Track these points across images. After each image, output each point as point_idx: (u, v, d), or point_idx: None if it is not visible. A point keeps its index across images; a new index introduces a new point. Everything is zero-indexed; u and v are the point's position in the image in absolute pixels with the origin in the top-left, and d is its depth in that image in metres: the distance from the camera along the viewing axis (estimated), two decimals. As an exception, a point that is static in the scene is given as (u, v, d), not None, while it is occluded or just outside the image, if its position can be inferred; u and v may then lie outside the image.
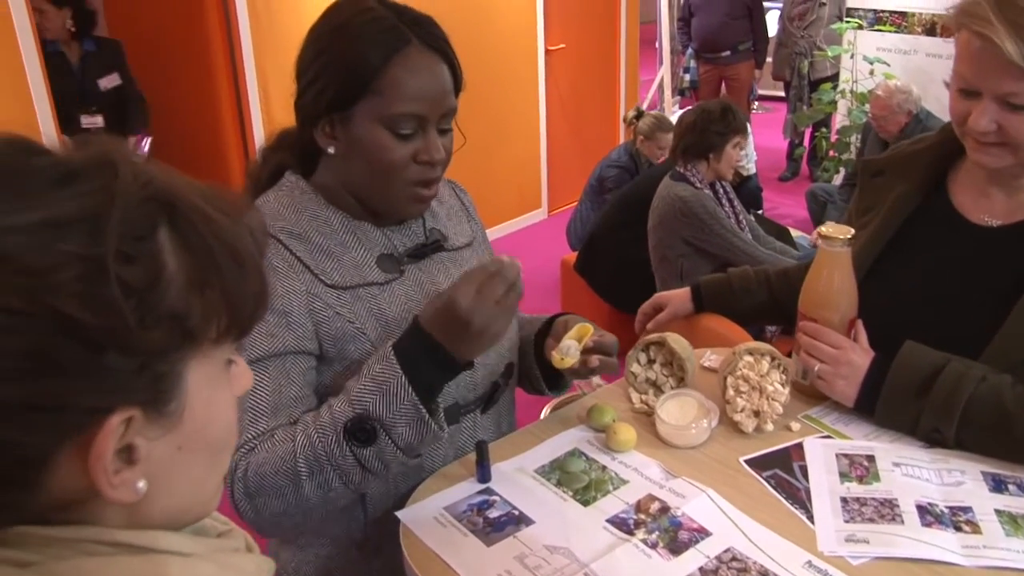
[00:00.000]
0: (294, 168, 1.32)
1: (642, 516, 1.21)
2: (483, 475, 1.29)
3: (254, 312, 0.63)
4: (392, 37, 1.20)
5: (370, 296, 1.26)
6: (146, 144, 3.96)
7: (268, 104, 4.35)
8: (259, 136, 4.30)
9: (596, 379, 1.89)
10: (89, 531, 0.57)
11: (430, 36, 1.23)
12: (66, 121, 3.57)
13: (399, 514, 1.21)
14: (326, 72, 1.21)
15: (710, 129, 3.23)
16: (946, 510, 1.22)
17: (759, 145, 5.66)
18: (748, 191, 4.76)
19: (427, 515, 1.22)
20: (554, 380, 1.49)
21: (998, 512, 1.21)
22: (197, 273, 0.57)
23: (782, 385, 1.41)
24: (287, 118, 1.34)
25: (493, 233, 5.75)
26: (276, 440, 1.15)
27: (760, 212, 4.75)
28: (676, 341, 1.49)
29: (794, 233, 4.09)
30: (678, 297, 1.94)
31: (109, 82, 3.83)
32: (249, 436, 1.16)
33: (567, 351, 1.30)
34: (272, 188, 1.30)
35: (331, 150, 1.25)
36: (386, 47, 1.19)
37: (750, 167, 5.06)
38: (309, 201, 1.28)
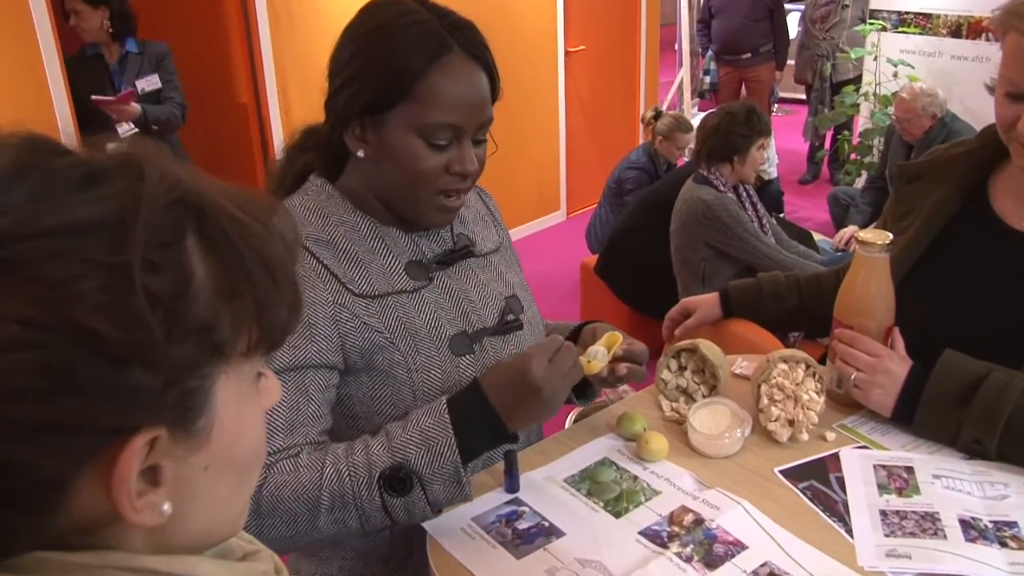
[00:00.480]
0: (320, 170, 1.29)
1: (676, 528, 1.17)
2: (512, 485, 1.26)
3: (287, 324, 0.59)
4: (434, 42, 1.16)
5: (399, 305, 1.23)
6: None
7: (287, 102, 4.33)
8: (278, 134, 4.28)
9: (624, 387, 1.86)
10: (112, 557, 0.53)
11: (471, 43, 1.19)
12: (101, 123, 3.53)
13: (426, 525, 1.18)
14: (363, 74, 1.17)
15: (734, 131, 3.19)
16: (990, 525, 1.18)
17: (780, 148, 5.60)
18: (769, 195, 4.71)
19: (454, 526, 1.19)
20: (581, 388, 1.46)
21: (1044, 527, 1.18)
22: (227, 281, 0.54)
23: (817, 394, 1.37)
24: (306, 115, 1.31)
25: (511, 235, 5.72)
26: (301, 465, 1.12)
27: (781, 216, 4.70)
28: (708, 348, 1.45)
29: (816, 237, 4.04)
30: (706, 303, 1.91)
31: (148, 84, 3.76)
32: (274, 449, 1.13)
33: (595, 355, 1.27)
34: (296, 192, 1.27)
35: (360, 154, 1.22)
36: (427, 53, 1.15)
37: (771, 171, 5.01)
38: (336, 206, 1.24)
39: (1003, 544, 1.14)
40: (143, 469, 0.52)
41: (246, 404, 0.59)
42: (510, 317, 1.34)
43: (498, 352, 1.31)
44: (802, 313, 1.83)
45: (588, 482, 1.28)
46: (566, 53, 5.83)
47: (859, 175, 5.59)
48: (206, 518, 0.58)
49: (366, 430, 1.21)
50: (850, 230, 4.14)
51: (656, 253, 3.45)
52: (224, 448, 0.57)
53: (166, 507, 0.54)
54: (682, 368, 1.49)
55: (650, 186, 4.14)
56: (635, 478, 1.29)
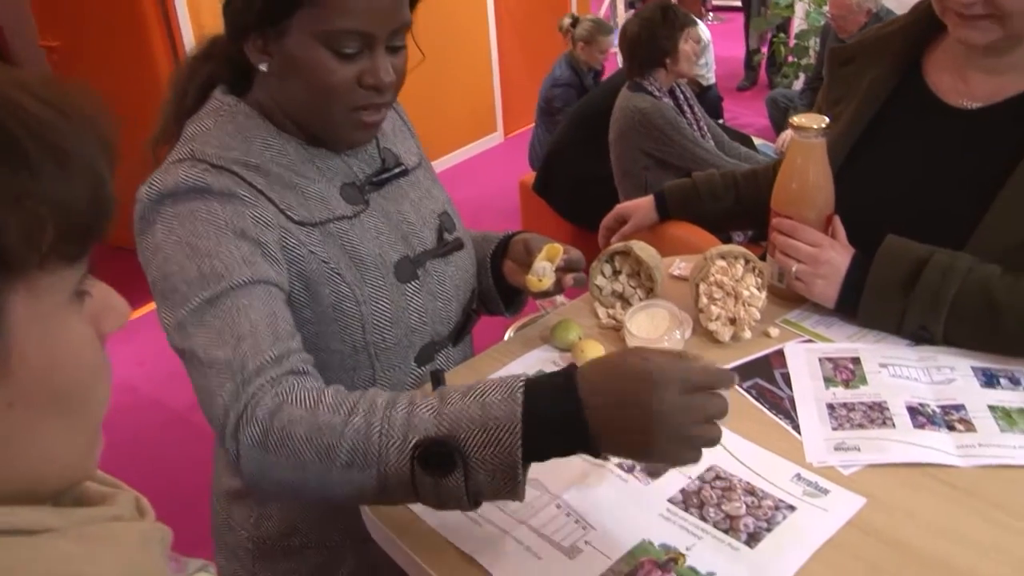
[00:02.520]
0: (226, 84, 1.16)
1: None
2: (442, 405, 1.18)
3: (92, 224, 0.50)
4: None
5: (340, 232, 1.13)
6: None
7: (196, 5, 4.06)
8: (188, 41, 3.99)
9: (559, 297, 1.79)
10: None
11: None
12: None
13: None
14: None
15: (657, 35, 3.10)
16: (938, 410, 1.14)
17: (716, 55, 5.52)
18: (708, 101, 4.65)
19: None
20: (509, 299, 1.38)
21: (991, 408, 1.14)
22: (5, 179, 0.45)
23: (758, 289, 1.31)
24: (217, 23, 1.17)
25: (447, 161, 5.60)
26: (325, 401, 0.93)
27: (721, 122, 4.64)
28: (642, 249, 1.38)
29: (757, 142, 3.98)
30: (642, 207, 1.84)
31: None
32: (264, 361, 0.96)
33: (543, 273, 1.21)
34: (207, 111, 1.14)
35: (264, 67, 1.09)
36: None
37: (709, 76, 4.94)
38: (256, 127, 1.12)
39: (951, 428, 1.11)
40: None
41: (59, 327, 0.49)
42: (448, 236, 1.26)
43: (441, 275, 1.23)
44: (741, 211, 1.77)
45: (523, 397, 1.21)
46: (493, -34, 5.65)
47: (797, 77, 5.54)
48: (28, 463, 0.49)
49: None
50: (791, 132, 4.08)
51: (594, 166, 3.37)
52: (35, 379, 0.48)
53: None
54: (616, 273, 1.42)
55: (581, 99, 4.03)
56: (572, 389, 1.22)
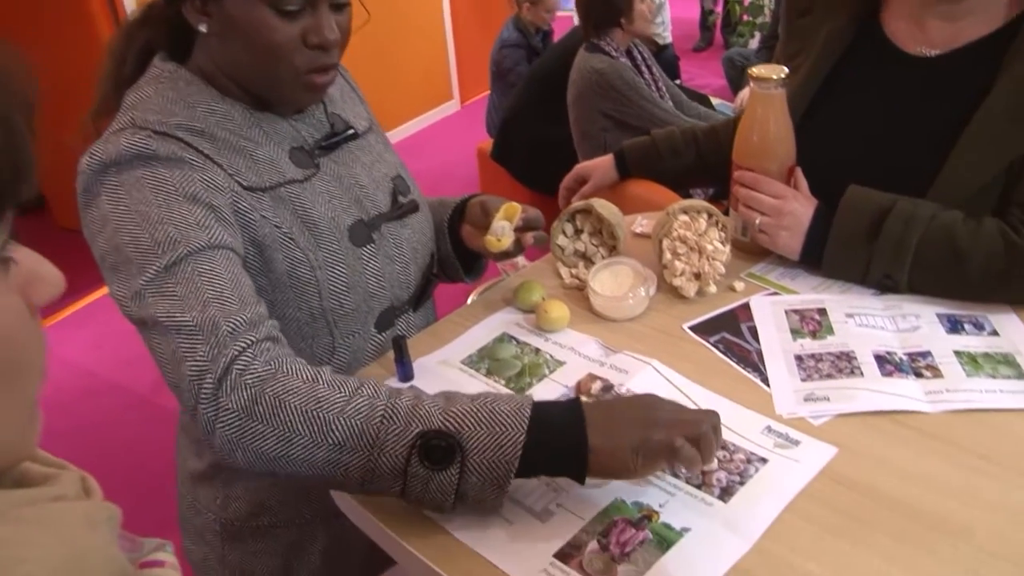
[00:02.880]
0: (165, 50, 1.11)
1: (584, 398, 1.10)
2: (404, 373, 1.16)
3: (5, 180, 0.45)
4: None
5: (292, 196, 1.09)
6: None
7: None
8: (130, 5, 3.87)
9: (520, 259, 1.77)
10: None
11: None
12: None
13: None
14: None
15: None
16: (905, 357, 1.13)
17: (671, 17, 5.48)
18: (664, 61, 4.61)
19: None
20: (469, 264, 1.36)
21: (957, 353, 1.14)
22: None
23: (722, 243, 1.30)
24: None
25: (403, 131, 5.53)
26: (324, 378, 0.91)
27: (678, 83, 4.61)
28: (603, 207, 1.36)
29: (714, 101, 3.97)
30: (601, 166, 1.82)
31: None
32: (237, 323, 0.92)
33: (501, 233, 1.18)
34: (146, 80, 1.09)
35: (203, 28, 1.05)
36: None
37: (666, 35, 4.91)
38: (199, 93, 1.07)
39: (918, 375, 1.10)
40: None
41: None
42: (402, 199, 1.22)
43: (397, 239, 1.19)
44: (701, 167, 1.75)
45: (487, 360, 1.19)
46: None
47: (752, 36, 5.53)
48: None
49: None
50: (750, 83, 4.07)
51: (552, 130, 3.33)
52: None
53: None
54: (578, 232, 1.39)
55: (535, 62, 3.98)
56: (537, 351, 1.20)
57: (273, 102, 1.11)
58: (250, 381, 0.89)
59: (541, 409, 0.88)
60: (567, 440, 0.87)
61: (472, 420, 0.86)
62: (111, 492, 0.58)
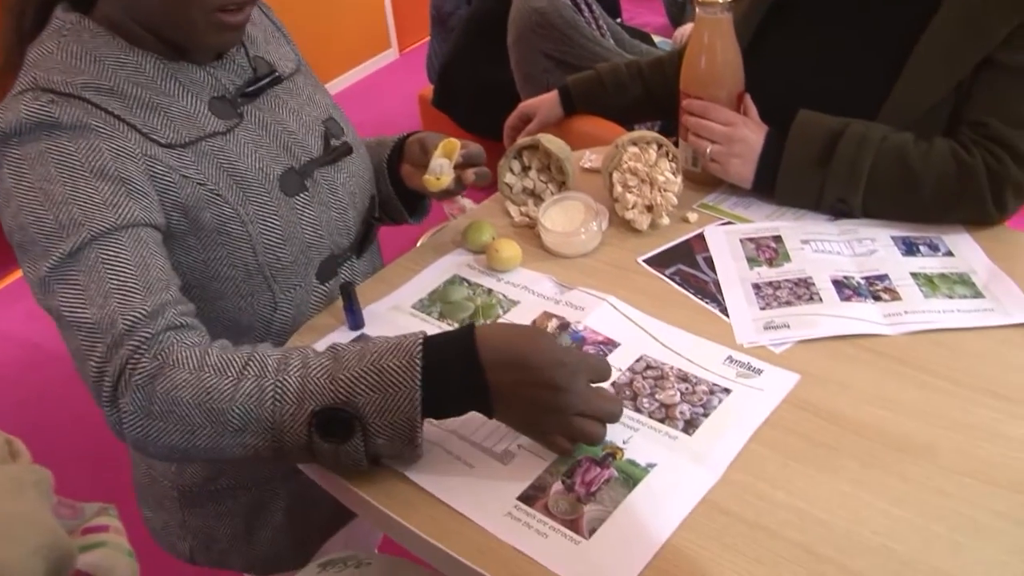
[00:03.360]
0: (67, 2, 1.03)
1: (539, 336, 1.06)
2: (354, 321, 1.11)
3: None
4: None
5: (215, 150, 1.02)
6: None
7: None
8: None
9: (464, 201, 1.73)
10: None
11: None
12: None
13: None
14: None
15: None
16: (862, 281, 1.12)
17: (608, -46, 5.40)
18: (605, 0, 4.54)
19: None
20: (413, 205, 1.31)
21: (914, 275, 1.13)
22: None
23: (673, 174, 1.26)
24: None
25: (341, 82, 5.39)
26: (209, 363, 0.86)
27: (619, 21, 4.55)
28: (551, 141, 1.31)
29: (656, 39, 3.92)
30: (546, 103, 1.77)
31: None
32: (136, 318, 0.88)
33: (440, 170, 1.13)
34: (48, 33, 1.00)
35: None
36: None
37: (603, -25, 4.82)
38: (106, 45, 0.99)
39: (876, 298, 1.09)
40: None
41: None
42: (335, 142, 1.16)
43: (332, 184, 1.13)
44: (648, 100, 1.71)
45: (439, 304, 1.15)
46: None
47: (690, -27, 5.48)
48: None
49: (202, 299, 1.03)
50: (689, 26, 4.04)
51: (493, 73, 3.26)
52: None
53: None
54: (526, 169, 1.35)
55: (473, 4, 3.89)
56: (489, 291, 1.17)
57: (187, 48, 1.03)
58: (140, 381, 0.85)
59: (434, 352, 0.84)
60: (467, 382, 0.84)
61: (364, 385, 0.83)
62: (63, 464, 0.53)
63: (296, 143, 1.11)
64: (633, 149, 1.27)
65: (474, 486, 0.86)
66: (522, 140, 1.33)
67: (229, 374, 0.85)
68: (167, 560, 1.28)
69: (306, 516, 1.24)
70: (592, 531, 0.80)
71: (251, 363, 0.86)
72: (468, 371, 0.83)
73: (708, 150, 1.28)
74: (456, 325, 1.11)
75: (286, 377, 0.84)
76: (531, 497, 0.84)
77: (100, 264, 0.89)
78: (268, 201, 1.05)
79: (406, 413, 0.82)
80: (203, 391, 0.85)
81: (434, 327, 1.11)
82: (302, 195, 1.09)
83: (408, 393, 0.82)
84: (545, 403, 0.83)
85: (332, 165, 1.14)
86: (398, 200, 1.28)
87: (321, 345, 0.97)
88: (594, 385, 0.87)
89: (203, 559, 1.25)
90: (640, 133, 1.28)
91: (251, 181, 1.04)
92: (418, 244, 1.37)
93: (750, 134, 1.27)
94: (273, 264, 1.07)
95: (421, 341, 0.84)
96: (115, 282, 0.89)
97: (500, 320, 1.11)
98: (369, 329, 1.11)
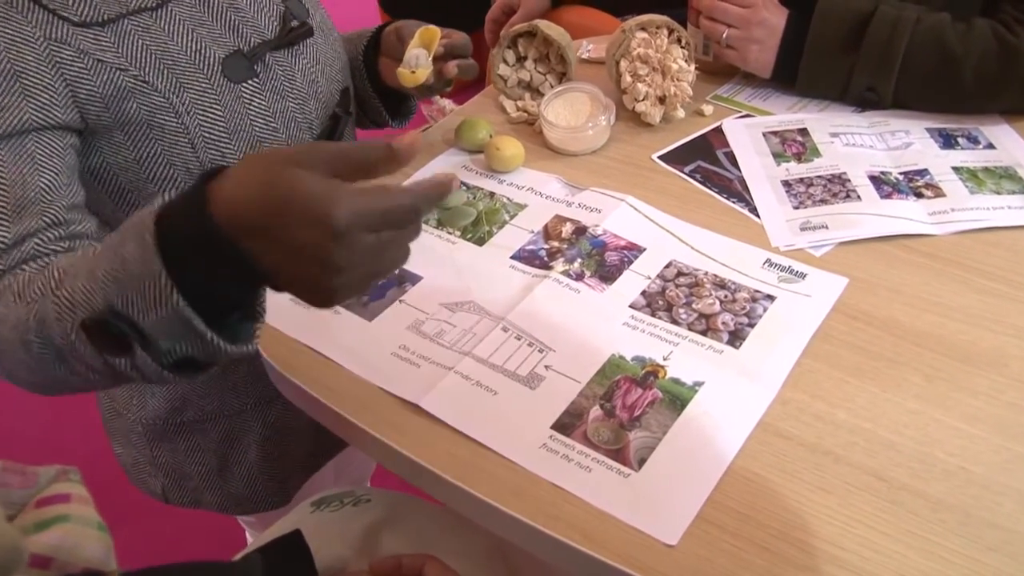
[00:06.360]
0: None
1: (555, 244, 0.95)
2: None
3: None
4: None
5: (141, 29, 0.86)
6: None
7: None
8: None
9: (446, 103, 1.58)
10: None
11: None
12: None
13: None
14: None
15: None
16: (901, 177, 1.02)
17: None
18: None
19: (280, 299, 0.91)
20: (395, 107, 1.16)
21: (956, 170, 1.03)
22: None
23: (686, 62, 1.14)
24: None
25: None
26: (15, 289, 0.73)
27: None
28: (549, 28, 1.17)
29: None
30: (530, -9, 1.62)
31: None
32: None
33: (416, 61, 0.99)
34: None
35: None
36: None
37: None
38: None
39: (919, 195, 0.99)
40: None
41: None
42: (295, 23, 1.00)
43: (288, 69, 0.98)
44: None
45: (435, 210, 1.02)
46: None
47: None
48: None
49: (140, 204, 0.89)
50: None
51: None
52: None
53: None
54: (521, 59, 1.21)
55: None
56: (492, 195, 1.04)
57: None
58: None
59: (168, 224, 0.61)
60: (220, 256, 0.59)
61: (114, 284, 0.63)
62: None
63: (245, 22, 0.95)
64: (642, 34, 1.13)
65: (500, 416, 0.75)
66: (517, 26, 1.19)
67: (27, 298, 0.71)
68: (144, 500, 1.17)
69: (283, 451, 1.13)
70: (641, 461, 0.70)
71: (49, 279, 0.70)
72: (211, 244, 0.59)
73: (724, 35, 1.16)
74: (458, 233, 0.98)
75: (72, 283, 0.67)
76: (567, 425, 0.74)
77: None
78: (207, 88, 0.90)
79: (167, 304, 0.61)
80: (12, 323, 0.71)
81: (432, 237, 0.98)
82: (250, 81, 0.93)
83: (153, 282, 0.61)
84: (323, 269, 0.58)
85: (288, 48, 0.98)
86: (377, 99, 1.13)
87: None
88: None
89: (177, 499, 1.14)
90: (649, 17, 1.15)
91: (186, 66, 0.88)
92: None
93: (770, 16, 1.14)
94: (217, 160, 0.91)
95: (155, 212, 0.62)
96: None
97: (508, 225, 0.98)
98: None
